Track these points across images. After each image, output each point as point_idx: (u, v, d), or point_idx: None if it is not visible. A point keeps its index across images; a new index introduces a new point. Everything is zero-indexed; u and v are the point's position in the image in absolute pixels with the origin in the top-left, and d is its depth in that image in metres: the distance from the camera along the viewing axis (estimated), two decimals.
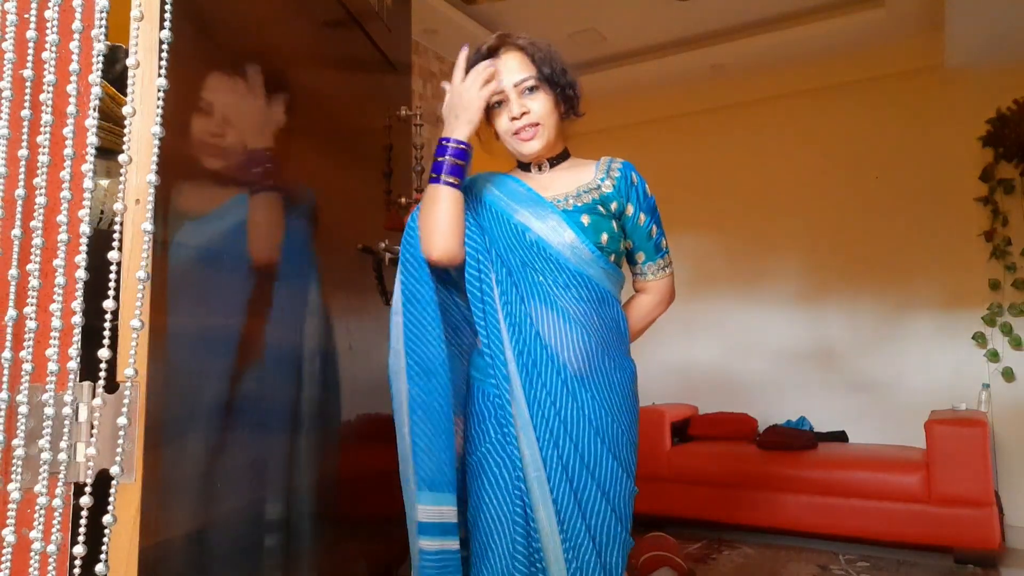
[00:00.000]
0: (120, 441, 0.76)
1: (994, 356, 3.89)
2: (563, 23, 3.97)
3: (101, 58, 0.73)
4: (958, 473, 3.24)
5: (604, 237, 1.48)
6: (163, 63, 0.77)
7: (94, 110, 0.74)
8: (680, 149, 4.94)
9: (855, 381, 4.26)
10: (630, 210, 1.52)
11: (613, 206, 1.50)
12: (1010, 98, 3.92)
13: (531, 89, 1.48)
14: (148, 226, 0.73)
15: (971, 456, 3.22)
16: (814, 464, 3.63)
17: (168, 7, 0.79)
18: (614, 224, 1.50)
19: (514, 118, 1.47)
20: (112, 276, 0.73)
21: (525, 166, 1.57)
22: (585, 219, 1.48)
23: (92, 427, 0.77)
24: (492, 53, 1.49)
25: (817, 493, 3.54)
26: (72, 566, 0.69)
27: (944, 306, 4.07)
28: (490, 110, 1.51)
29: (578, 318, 1.44)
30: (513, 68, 1.47)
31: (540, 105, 1.48)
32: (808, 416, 4.30)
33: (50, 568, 0.71)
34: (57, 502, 0.71)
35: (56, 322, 0.73)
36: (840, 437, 4.16)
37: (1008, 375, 3.84)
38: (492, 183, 1.55)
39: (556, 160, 1.56)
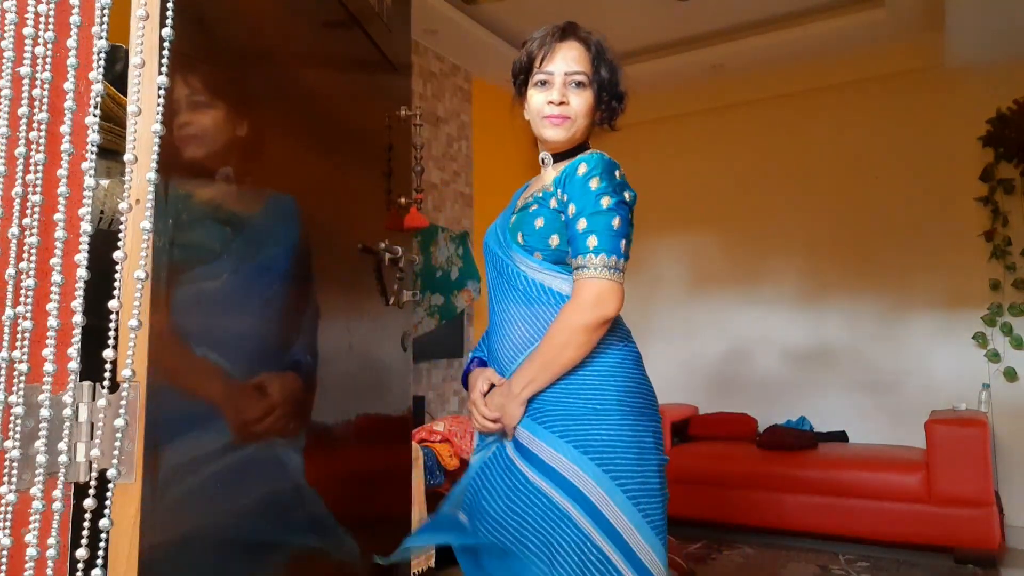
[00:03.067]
0: (119, 442, 0.76)
1: (994, 356, 3.89)
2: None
3: (103, 56, 0.73)
4: (958, 473, 3.24)
5: (518, 233, 1.42)
6: (164, 61, 0.77)
7: (96, 108, 0.73)
8: (680, 149, 4.94)
9: (855, 381, 4.26)
10: (564, 197, 1.39)
11: (552, 202, 1.41)
12: (1010, 98, 3.92)
13: (578, 84, 1.46)
14: (147, 224, 0.73)
15: (971, 456, 3.22)
16: (814, 464, 3.63)
17: (170, 5, 0.78)
18: (561, 217, 1.39)
19: (551, 102, 1.44)
20: (117, 276, 0.73)
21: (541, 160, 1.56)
22: (539, 222, 1.40)
23: (92, 427, 0.77)
24: (557, 39, 1.48)
25: (817, 493, 3.53)
26: (74, 569, 0.68)
27: (944, 306, 4.07)
28: (528, 85, 1.49)
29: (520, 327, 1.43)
30: (570, 58, 1.47)
31: (581, 102, 1.45)
32: (808, 416, 4.30)
33: (48, 572, 0.71)
34: (56, 505, 0.71)
35: (53, 321, 0.73)
36: (840, 437, 4.16)
37: (1010, 375, 3.84)
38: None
39: (563, 155, 1.50)
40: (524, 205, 1.47)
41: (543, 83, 1.46)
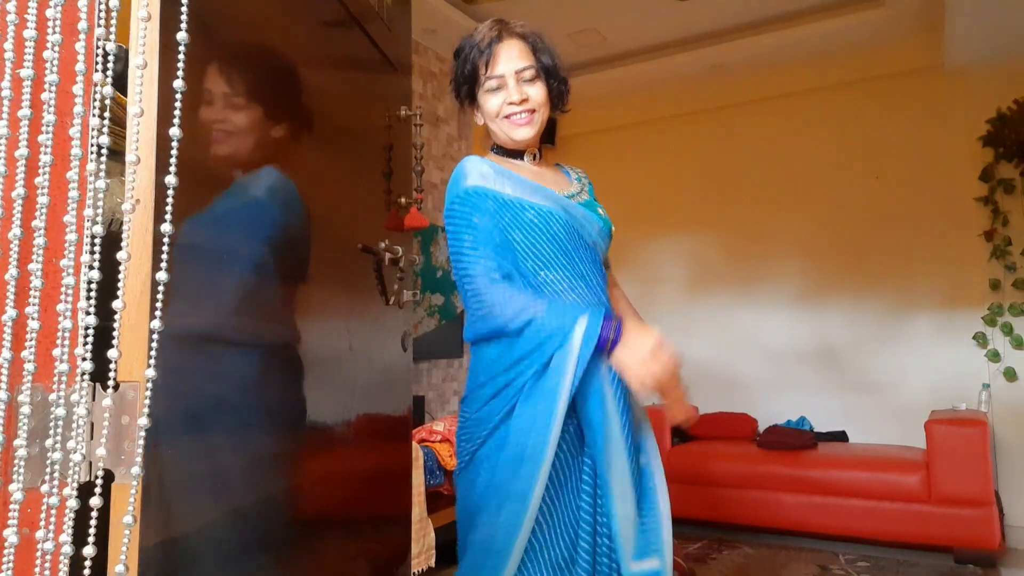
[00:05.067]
0: (122, 441, 0.76)
1: (995, 356, 3.89)
2: (563, 23, 3.97)
3: (110, 59, 0.73)
4: (958, 473, 3.24)
5: (612, 228, 1.59)
6: (180, 65, 0.77)
7: (103, 110, 0.74)
8: (680, 149, 4.94)
9: (855, 381, 4.26)
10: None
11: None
12: (1010, 98, 3.92)
13: (530, 78, 1.49)
14: (167, 228, 0.73)
15: (971, 456, 3.23)
16: (814, 464, 3.64)
17: (184, 9, 0.78)
18: None
19: (513, 103, 1.47)
20: (121, 277, 0.73)
21: (513, 154, 1.56)
22: (601, 211, 1.57)
23: (93, 427, 0.77)
24: (495, 41, 1.49)
25: (817, 493, 3.54)
26: (82, 567, 0.69)
27: (944, 306, 4.07)
28: (477, 92, 1.51)
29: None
30: (515, 55, 1.48)
31: (538, 93, 1.49)
32: (808, 416, 4.30)
33: (61, 569, 0.71)
34: (70, 503, 0.71)
35: (65, 322, 0.73)
36: (840, 437, 4.16)
37: (1010, 375, 3.85)
38: (517, 189, 1.48)
39: (539, 152, 1.59)
40: (593, 200, 1.60)
41: (495, 88, 1.49)
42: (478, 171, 1.47)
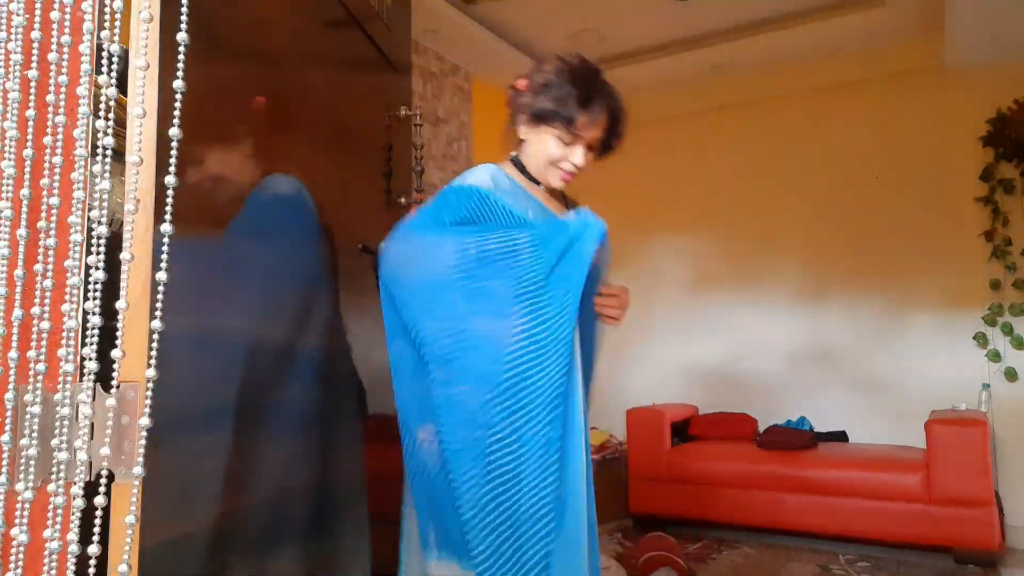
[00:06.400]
0: (124, 441, 0.77)
1: (995, 356, 3.89)
2: (563, 23, 3.97)
3: (114, 60, 0.73)
4: (958, 473, 3.24)
5: None
6: (180, 65, 0.78)
7: (107, 112, 0.74)
8: (680, 149, 4.94)
9: (855, 381, 4.26)
10: None
11: None
12: (1010, 98, 3.92)
13: (592, 148, 1.55)
14: (167, 228, 0.73)
15: (971, 456, 3.23)
16: (814, 464, 3.64)
17: (184, 9, 0.79)
18: None
19: (576, 165, 1.52)
20: (124, 277, 0.74)
21: (528, 174, 1.60)
22: None
23: (93, 427, 0.77)
24: (603, 108, 1.50)
25: (817, 493, 3.54)
26: (87, 566, 0.69)
27: (944, 306, 4.07)
28: (546, 122, 1.49)
29: None
30: (602, 125, 1.52)
31: (587, 163, 1.55)
32: (808, 416, 4.31)
33: (69, 568, 0.71)
34: (61, 500, 0.72)
35: (67, 322, 0.73)
36: (840, 437, 4.16)
37: (1010, 375, 3.85)
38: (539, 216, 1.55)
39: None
40: None
41: (566, 138, 1.49)
42: (493, 179, 1.52)
